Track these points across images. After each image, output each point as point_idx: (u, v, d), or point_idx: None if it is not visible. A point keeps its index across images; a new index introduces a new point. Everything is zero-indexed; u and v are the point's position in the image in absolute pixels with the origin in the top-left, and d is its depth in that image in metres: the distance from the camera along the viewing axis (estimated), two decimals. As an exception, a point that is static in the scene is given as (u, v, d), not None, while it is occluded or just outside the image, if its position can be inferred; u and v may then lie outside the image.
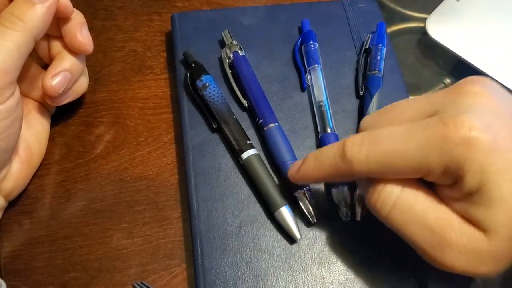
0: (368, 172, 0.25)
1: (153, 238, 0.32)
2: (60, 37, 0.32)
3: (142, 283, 0.30)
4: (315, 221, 0.31)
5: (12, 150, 0.30)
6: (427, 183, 0.25)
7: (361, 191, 0.27)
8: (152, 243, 0.32)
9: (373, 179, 0.25)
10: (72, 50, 0.32)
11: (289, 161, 0.32)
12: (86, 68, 0.35)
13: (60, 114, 0.36)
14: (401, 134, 0.24)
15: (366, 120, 0.28)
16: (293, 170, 0.29)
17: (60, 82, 0.31)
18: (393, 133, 0.24)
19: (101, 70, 0.39)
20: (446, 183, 0.24)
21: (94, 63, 0.39)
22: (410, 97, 0.27)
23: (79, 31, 0.31)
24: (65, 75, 0.31)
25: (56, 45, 0.32)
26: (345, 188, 0.32)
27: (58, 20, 0.31)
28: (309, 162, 0.28)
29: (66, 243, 0.32)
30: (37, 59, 0.33)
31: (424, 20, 0.43)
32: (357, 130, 0.35)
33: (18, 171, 0.31)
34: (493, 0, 0.42)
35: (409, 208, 0.24)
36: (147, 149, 0.35)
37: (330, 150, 0.26)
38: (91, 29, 0.40)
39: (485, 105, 0.23)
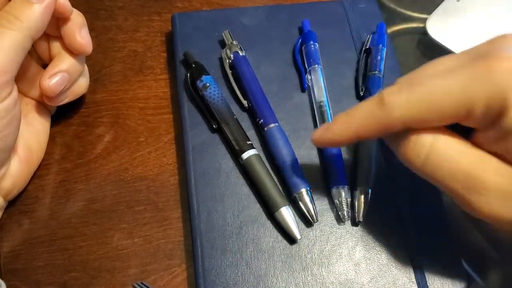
0: (409, 117, 0.24)
1: (153, 239, 0.32)
2: (60, 38, 0.32)
3: (142, 283, 0.30)
4: (316, 221, 0.31)
5: (10, 149, 0.30)
6: (462, 133, 0.24)
7: (391, 147, 0.26)
8: (152, 243, 0.32)
9: (405, 131, 0.24)
10: (71, 51, 0.32)
11: (289, 162, 0.32)
12: (87, 69, 0.35)
13: (60, 114, 0.36)
14: (442, 74, 0.23)
15: (400, 78, 0.26)
16: (319, 131, 0.28)
17: (57, 83, 0.31)
18: (433, 75, 0.24)
19: (101, 70, 0.39)
20: (486, 123, 0.23)
21: (94, 63, 0.39)
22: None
23: (78, 31, 0.31)
24: (63, 75, 0.31)
25: (56, 45, 0.32)
26: (345, 188, 0.32)
27: (58, 20, 0.31)
28: (340, 119, 0.26)
29: (66, 243, 0.32)
30: (38, 59, 0.33)
31: (424, 20, 0.43)
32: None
33: (17, 171, 0.31)
34: (494, 0, 0.42)
35: (444, 155, 0.24)
36: (147, 149, 0.35)
37: (364, 104, 0.25)
38: (91, 29, 0.40)
39: None
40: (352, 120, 0.26)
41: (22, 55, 0.28)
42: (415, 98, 0.23)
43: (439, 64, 0.25)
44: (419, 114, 0.23)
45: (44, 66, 0.32)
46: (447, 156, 0.24)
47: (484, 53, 0.23)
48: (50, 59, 0.32)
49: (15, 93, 0.28)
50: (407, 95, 0.24)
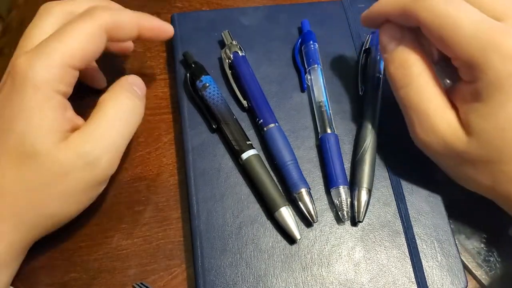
0: (425, 20, 0.28)
1: (153, 239, 0.32)
2: None
3: (142, 284, 0.30)
4: (316, 221, 0.31)
5: None
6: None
7: (385, 61, 0.31)
8: (152, 243, 0.32)
9: (403, 51, 0.29)
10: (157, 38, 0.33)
11: (289, 162, 0.32)
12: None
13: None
14: (474, 14, 0.27)
15: None
16: (367, 10, 0.33)
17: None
18: (469, 8, 0.27)
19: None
20: (464, 76, 0.27)
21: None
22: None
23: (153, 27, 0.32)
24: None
25: None
26: (345, 188, 0.32)
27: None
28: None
29: (66, 243, 0.32)
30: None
31: (424, 20, 0.42)
32: (357, 130, 0.35)
33: None
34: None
35: (418, 92, 0.29)
36: (147, 149, 0.35)
37: None
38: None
39: None
40: (389, 1, 0.30)
41: None
42: (441, 11, 0.27)
43: (477, 11, 0.27)
44: (432, 26, 0.27)
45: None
46: (421, 93, 0.29)
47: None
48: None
49: None
50: (438, 5, 0.27)
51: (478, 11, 0.27)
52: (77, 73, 0.28)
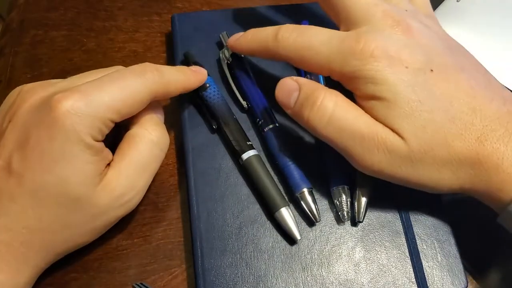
0: (288, 56, 0.30)
1: (153, 239, 0.32)
2: None
3: (142, 284, 0.30)
4: (318, 220, 0.31)
5: None
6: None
7: (296, 116, 0.30)
8: (152, 243, 0.32)
9: (310, 97, 0.29)
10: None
11: (290, 162, 0.32)
12: None
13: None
14: (323, 35, 0.29)
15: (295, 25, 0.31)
16: (234, 38, 0.33)
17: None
18: (319, 32, 0.29)
19: (101, 70, 0.39)
20: (350, 87, 0.29)
21: (95, 63, 0.39)
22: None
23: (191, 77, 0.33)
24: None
25: None
26: (346, 188, 0.32)
27: None
28: (248, 34, 0.32)
29: (66, 243, 0.32)
30: None
31: (424, 20, 0.42)
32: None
33: None
34: (494, 0, 0.42)
35: (343, 120, 0.28)
36: (147, 149, 0.35)
37: (268, 29, 0.31)
38: (91, 29, 0.40)
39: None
40: (254, 39, 0.32)
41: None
42: (296, 45, 0.29)
43: (327, 31, 0.30)
44: (295, 58, 0.30)
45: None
46: (346, 122, 0.28)
47: (356, 34, 0.28)
48: None
49: None
50: (294, 39, 0.29)
51: (327, 30, 0.29)
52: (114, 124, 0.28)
